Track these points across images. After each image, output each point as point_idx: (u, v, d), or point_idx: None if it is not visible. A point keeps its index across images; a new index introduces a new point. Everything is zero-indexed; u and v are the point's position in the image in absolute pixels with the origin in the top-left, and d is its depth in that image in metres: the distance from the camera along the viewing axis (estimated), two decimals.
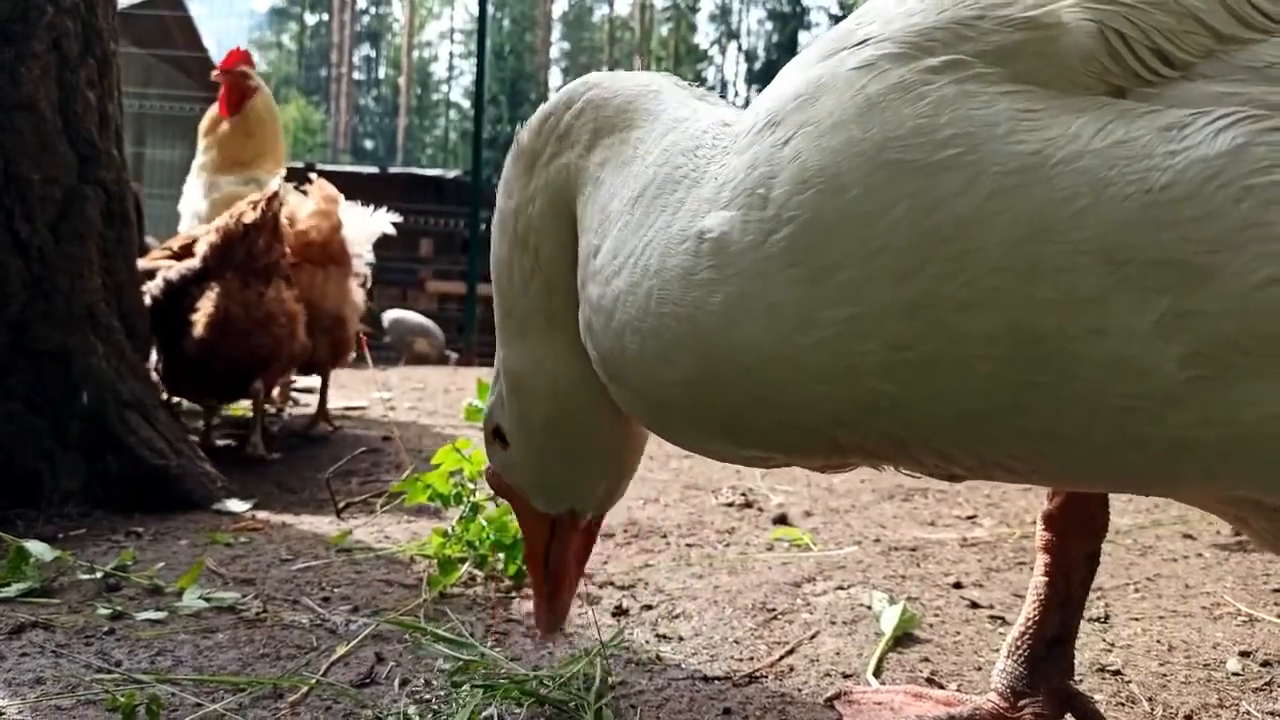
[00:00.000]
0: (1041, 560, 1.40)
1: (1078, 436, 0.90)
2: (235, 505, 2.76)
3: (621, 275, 1.08)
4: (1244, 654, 1.79)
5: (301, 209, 3.89)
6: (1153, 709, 1.56)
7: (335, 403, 4.46)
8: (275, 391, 4.31)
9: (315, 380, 4.25)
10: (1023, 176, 0.87)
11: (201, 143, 4.82)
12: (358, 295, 4.13)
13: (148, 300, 3.25)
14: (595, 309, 1.13)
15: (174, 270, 3.30)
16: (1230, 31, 0.91)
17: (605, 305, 1.10)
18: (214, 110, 4.85)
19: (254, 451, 3.37)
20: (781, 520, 2.72)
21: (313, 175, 4.10)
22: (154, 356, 3.34)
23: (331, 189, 3.98)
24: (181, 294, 3.25)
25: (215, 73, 4.96)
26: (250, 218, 3.22)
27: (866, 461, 1.08)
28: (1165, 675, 1.69)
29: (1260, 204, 0.82)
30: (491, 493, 2.42)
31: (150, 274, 3.35)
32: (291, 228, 3.77)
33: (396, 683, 1.56)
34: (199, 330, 3.16)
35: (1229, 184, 0.83)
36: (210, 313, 3.16)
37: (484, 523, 2.16)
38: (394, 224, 4.49)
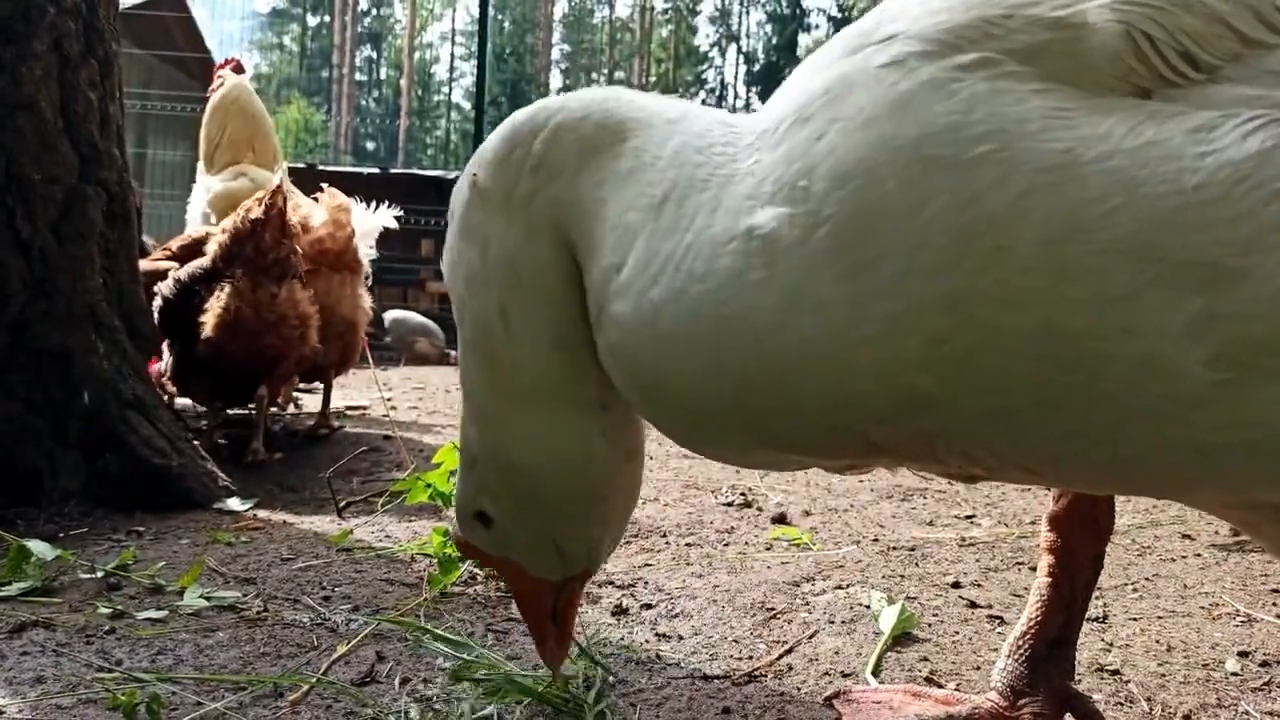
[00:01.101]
0: (1046, 561, 1.41)
1: (1104, 437, 0.90)
2: (236, 504, 2.77)
3: (659, 284, 1.03)
4: (1243, 654, 1.79)
5: (315, 216, 3.90)
6: (1151, 709, 1.56)
7: (336, 402, 4.46)
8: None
9: (317, 383, 4.26)
10: (1055, 175, 0.87)
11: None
12: (368, 302, 4.16)
13: (158, 301, 3.27)
14: (628, 327, 1.07)
15: (184, 270, 3.30)
16: (1256, 36, 0.91)
17: (643, 319, 1.05)
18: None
19: (254, 458, 3.35)
20: (780, 520, 2.72)
21: (325, 185, 4.12)
22: (166, 359, 3.35)
23: (344, 198, 4.00)
24: (192, 294, 3.24)
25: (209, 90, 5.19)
26: (256, 213, 3.20)
27: (894, 462, 1.06)
28: (1164, 675, 1.70)
29: None
30: None
31: (162, 274, 3.36)
32: (306, 234, 3.78)
33: (397, 681, 1.56)
34: (208, 331, 3.14)
35: (1259, 186, 0.83)
36: (219, 313, 3.14)
37: None
38: (395, 224, 4.53)
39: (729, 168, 1.03)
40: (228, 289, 3.17)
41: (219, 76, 5.16)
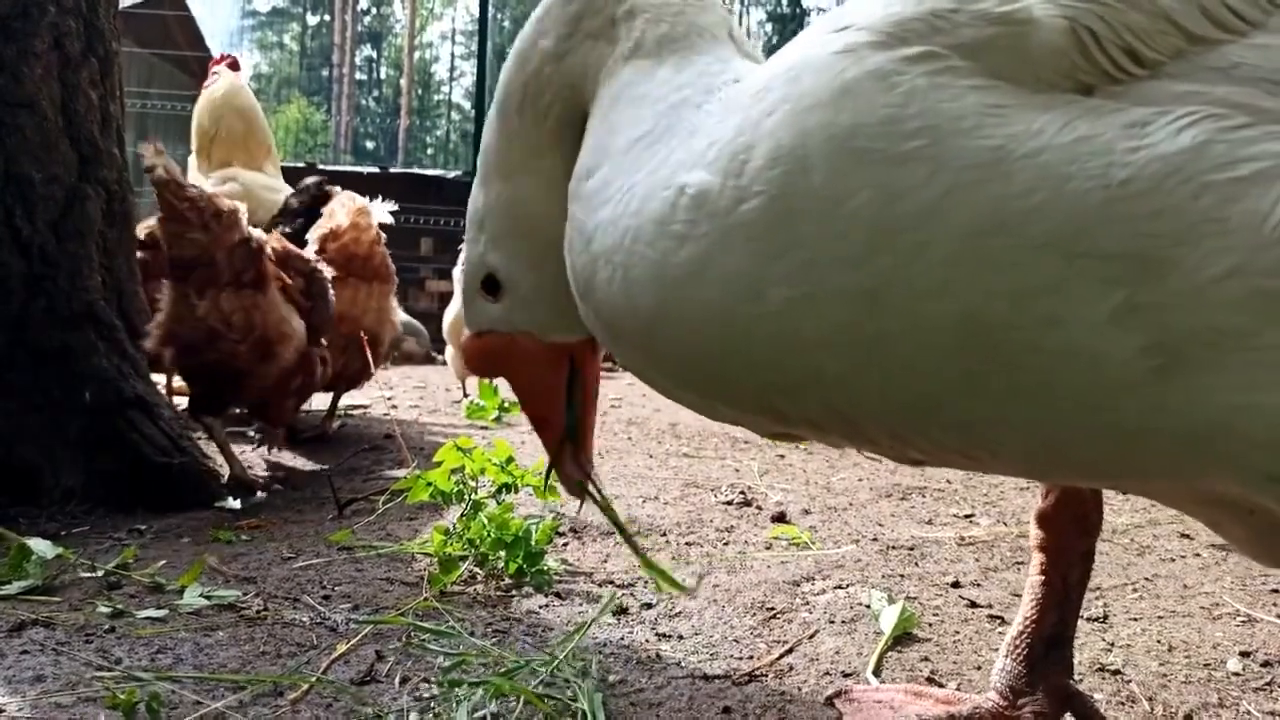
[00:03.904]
0: (1037, 559, 1.41)
1: (1030, 424, 0.92)
2: (237, 503, 2.77)
3: (606, 207, 1.10)
4: (1244, 654, 1.79)
5: (342, 222, 3.84)
6: (1152, 708, 1.56)
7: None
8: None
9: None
10: (982, 171, 0.88)
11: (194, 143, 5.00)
12: (397, 314, 4.08)
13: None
14: (577, 229, 1.15)
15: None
16: (1202, 32, 0.91)
17: (586, 229, 1.12)
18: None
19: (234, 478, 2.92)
20: (780, 519, 2.72)
21: (336, 188, 4.06)
22: None
23: (360, 200, 3.91)
24: None
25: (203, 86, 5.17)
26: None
27: (817, 434, 1.09)
28: (1165, 675, 1.70)
29: (1218, 200, 0.83)
30: (493, 492, 2.43)
31: None
32: (336, 242, 3.74)
33: (397, 680, 1.56)
34: (151, 344, 2.89)
35: (1188, 180, 0.84)
36: (158, 323, 2.88)
37: (485, 521, 2.16)
38: (395, 224, 4.52)
39: (702, 124, 1.06)
40: (165, 298, 2.87)
41: (214, 72, 5.16)
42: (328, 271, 3.33)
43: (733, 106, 1.05)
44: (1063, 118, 0.88)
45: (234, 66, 5.20)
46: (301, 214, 4.03)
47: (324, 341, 3.26)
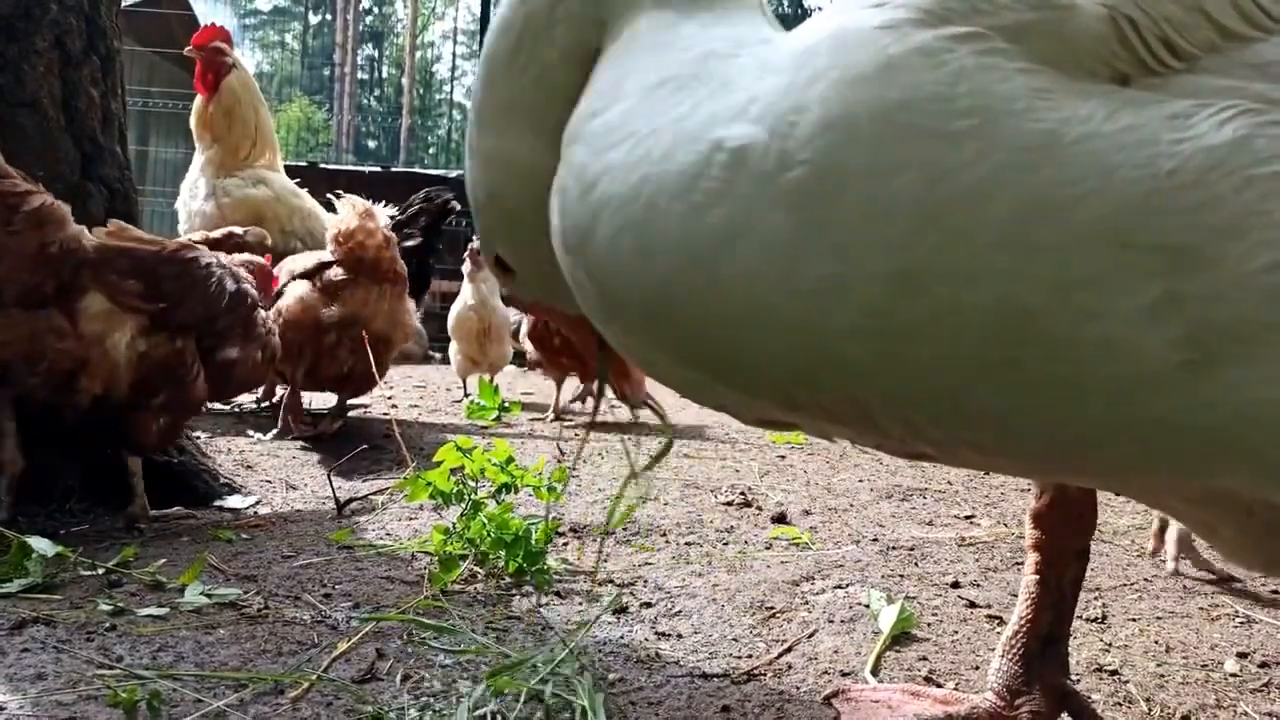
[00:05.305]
0: (1032, 558, 1.41)
1: (1055, 417, 0.90)
2: (237, 502, 2.77)
3: (619, 149, 1.04)
4: (1241, 655, 1.80)
5: (350, 224, 3.78)
6: (1150, 709, 1.56)
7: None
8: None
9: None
10: (1035, 155, 0.87)
11: (195, 133, 4.62)
12: (411, 317, 4.00)
13: None
14: (576, 174, 1.08)
15: None
16: (1235, 28, 0.91)
17: (590, 174, 1.06)
18: (199, 101, 4.62)
19: (129, 522, 2.49)
20: (780, 519, 2.73)
21: (340, 192, 4.03)
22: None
23: (362, 202, 3.86)
24: None
25: (188, 49, 4.66)
26: None
27: (824, 423, 1.05)
28: (1163, 676, 1.70)
29: (1261, 194, 0.83)
30: (493, 492, 2.43)
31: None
32: (345, 244, 3.71)
33: (398, 679, 1.57)
34: None
35: (1232, 173, 0.84)
36: None
37: (485, 520, 2.17)
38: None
39: (738, 76, 1.02)
40: None
41: (215, 47, 4.58)
42: (227, 259, 2.76)
43: (773, 66, 1.01)
44: (1107, 106, 0.87)
45: (222, 37, 4.66)
46: (422, 231, 3.96)
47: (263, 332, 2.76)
